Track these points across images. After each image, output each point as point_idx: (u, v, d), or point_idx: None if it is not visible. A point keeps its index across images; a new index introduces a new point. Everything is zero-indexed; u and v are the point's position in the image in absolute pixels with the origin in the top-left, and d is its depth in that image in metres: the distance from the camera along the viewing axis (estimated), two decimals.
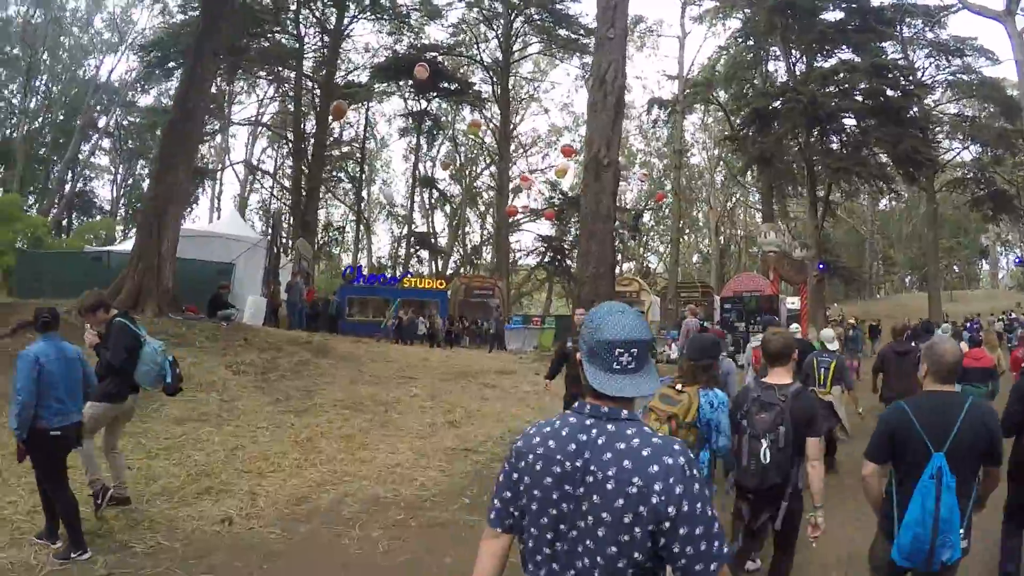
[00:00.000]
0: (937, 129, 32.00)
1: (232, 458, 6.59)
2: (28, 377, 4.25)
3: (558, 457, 1.59)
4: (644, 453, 1.51)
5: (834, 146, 32.67)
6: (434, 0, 35.85)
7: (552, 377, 7.37)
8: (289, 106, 38.14)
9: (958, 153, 33.83)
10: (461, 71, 40.51)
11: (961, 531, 2.72)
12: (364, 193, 47.34)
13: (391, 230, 54.12)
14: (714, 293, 26.93)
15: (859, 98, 30.27)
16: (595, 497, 1.52)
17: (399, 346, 18.20)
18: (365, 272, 30.73)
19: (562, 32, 37.43)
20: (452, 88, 38.04)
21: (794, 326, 13.13)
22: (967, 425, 2.73)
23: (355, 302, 26.89)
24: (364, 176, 45.89)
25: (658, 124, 43.56)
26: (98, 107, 41.22)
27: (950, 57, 31.13)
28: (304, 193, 33.28)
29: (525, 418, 9.29)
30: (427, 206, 48.93)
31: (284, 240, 26.58)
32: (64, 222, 41.63)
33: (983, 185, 32.41)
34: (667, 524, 1.47)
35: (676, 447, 1.55)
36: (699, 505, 1.49)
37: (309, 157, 34.49)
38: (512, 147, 43.56)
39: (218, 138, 43.22)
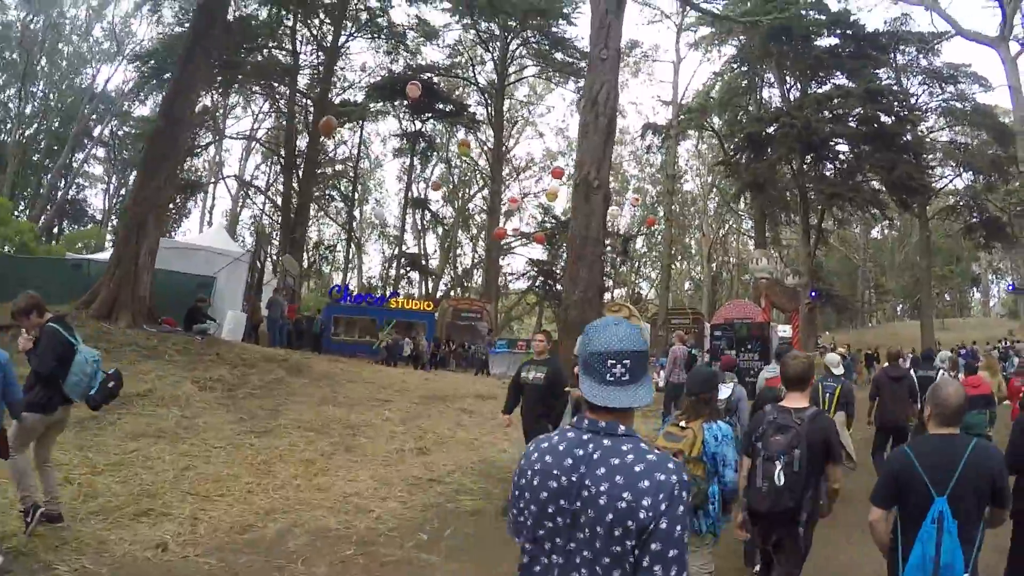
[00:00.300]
0: (930, 157, 31.99)
1: (181, 479, 6.16)
2: None
3: (555, 472, 1.62)
4: (637, 469, 1.53)
5: (828, 172, 32.63)
6: (431, 21, 35.93)
7: (510, 411, 6.76)
8: (283, 121, 38.00)
9: (951, 180, 33.83)
10: (456, 93, 40.44)
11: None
12: (356, 212, 47.11)
13: (383, 250, 53.87)
14: (704, 320, 26.59)
15: (853, 124, 30.26)
16: (589, 511, 1.54)
17: (380, 367, 17.80)
18: (353, 291, 30.37)
19: (558, 56, 37.46)
20: (447, 109, 37.90)
21: (771, 366, 12.71)
22: (970, 467, 2.72)
23: (341, 321, 26.45)
24: (357, 195, 45.65)
25: (652, 150, 43.48)
26: (93, 116, 41.16)
27: (943, 84, 31.18)
28: (293, 210, 32.96)
29: (499, 447, 8.83)
30: (419, 227, 48.73)
31: (270, 256, 26.26)
32: (55, 230, 41.36)
33: (976, 212, 32.30)
34: (644, 536, 1.48)
35: (671, 465, 1.56)
36: (678, 528, 1.49)
37: (300, 174, 34.28)
38: (506, 170, 43.49)
39: (212, 150, 43.03)
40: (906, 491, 2.81)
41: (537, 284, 42.51)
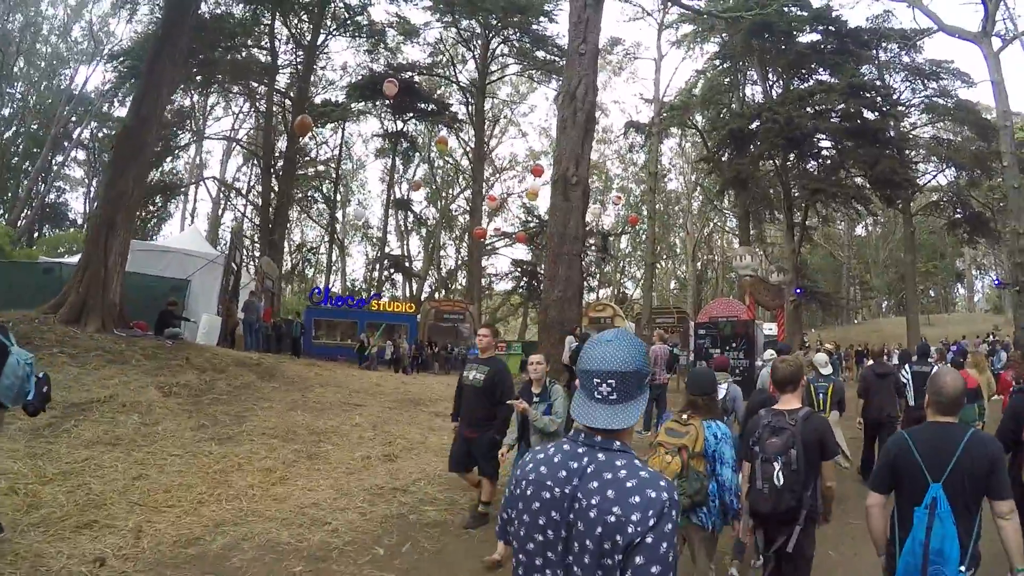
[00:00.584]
0: (913, 153, 32.05)
1: (131, 489, 5.84)
2: None
3: (548, 483, 1.62)
4: (629, 484, 1.53)
5: (811, 168, 32.63)
6: (411, 19, 35.64)
7: (455, 418, 6.09)
8: (261, 121, 37.57)
9: (934, 176, 33.93)
10: (438, 92, 40.16)
11: (962, 568, 2.67)
12: (339, 214, 46.71)
13: (366, 252, 53.50)
14: (690, 318, 26.44)
15: (836, 119, 30.19)
16: (580, 524, 1.54)
17: (357, 371, 17.49)
18: (334, 294, 30.03)
19: (540, 54, 37.25)
20: (429, 109, 37.61)
21: (768, 352, 12.57)
22: (966, 454, 2.74)
23: (322, 324, 26.13)
24: (339, 197, 45.29)
25: (635, 148, 43.32)
26: (73, 118, 40.54)
27: (926, 80, 31.20)
28: (272, 211, 32.57)
29: None
30: (402, 229, 48.36)
31: (247, 258, 25.86)
32: (36, 234, 40.69)
33: (959, 208, 32.40)
34: (630, 550, 1.48)
35: (663, 483, 1.55)
36: (663, 545, 1.48)
37: (280, 175, 33.84)
38: (489, 171, 43.21)
39: (192, 150, 42.55)
40: (902, 476, 2.86)
41: (522, 285, 42.25)
